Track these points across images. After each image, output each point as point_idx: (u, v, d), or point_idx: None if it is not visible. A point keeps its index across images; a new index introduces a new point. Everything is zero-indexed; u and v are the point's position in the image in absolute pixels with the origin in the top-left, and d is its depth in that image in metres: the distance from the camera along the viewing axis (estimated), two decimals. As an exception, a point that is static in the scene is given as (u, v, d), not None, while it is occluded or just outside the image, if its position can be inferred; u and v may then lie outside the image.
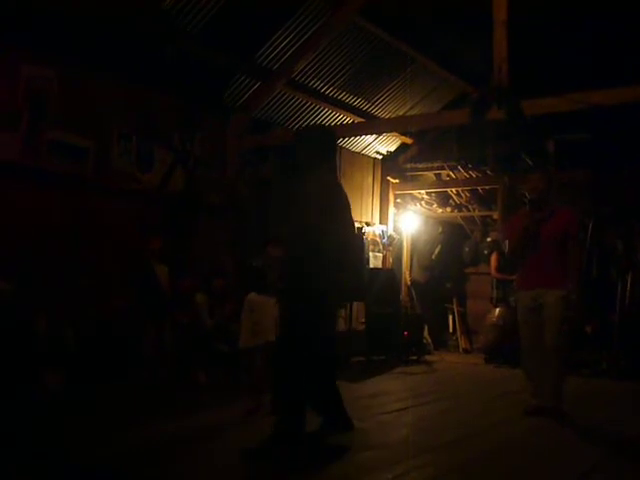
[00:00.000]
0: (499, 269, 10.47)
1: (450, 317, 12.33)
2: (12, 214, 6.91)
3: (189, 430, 5.19)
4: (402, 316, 10.59)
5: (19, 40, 6.92)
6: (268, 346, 5.74)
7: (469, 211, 12.93)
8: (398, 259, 12.06)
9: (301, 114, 10.50)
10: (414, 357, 9.99)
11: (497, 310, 10.28)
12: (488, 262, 11.15)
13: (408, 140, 12.40)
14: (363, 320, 10.16)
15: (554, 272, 5.80)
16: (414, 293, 11.80)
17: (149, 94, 8.29)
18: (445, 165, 12.16)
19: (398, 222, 12.27)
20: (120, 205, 7.94)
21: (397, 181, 12.41)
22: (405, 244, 12.30)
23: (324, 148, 4.98)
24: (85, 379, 6.49)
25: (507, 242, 6.84)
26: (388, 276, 10.67)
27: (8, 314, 6.09)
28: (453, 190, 12.65)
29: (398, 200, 12.56)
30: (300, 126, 10.53)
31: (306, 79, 9.97)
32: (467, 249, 12.79)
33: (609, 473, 4.39)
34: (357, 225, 11.29)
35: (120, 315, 7.39)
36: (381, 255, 11.82)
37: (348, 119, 11.01)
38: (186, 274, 7.89)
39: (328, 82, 10.25)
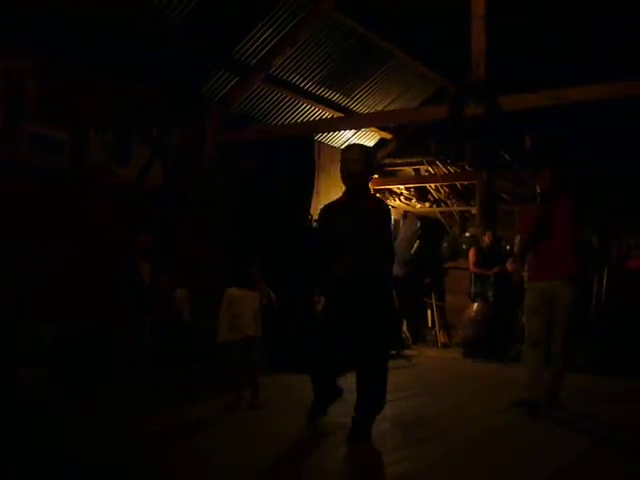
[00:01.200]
0: (477, 263, 10.51)
1: (429, 312, 12.36)
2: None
3: (169, 427, 5.17)
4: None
5: (-5, 34, 6.86)
6: (246, 340, 5.74)
7: (448, 206, 12.99)
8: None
9: (280, 109, 10.49)
10: (393, 352, 10.01)
11: (475, 305, 10.32)
12: (466, 257, 11.20)
13: (387, 135, 12.43)
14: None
15: (564, 262, 5.86)
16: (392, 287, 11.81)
17: (127, 88, 8.24)
18: (424, 160, 12.22)
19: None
20: (98, 199, 7.90)
21: (376, 176, 12.42)
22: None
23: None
24: (65, 377, 6.45)
25: (519, 237, 6.92)
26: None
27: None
28: (432, 185, 12.72)
29: (377, 195, 12.56)
30: (281, 122, 10.53)
31: (285, 74, 9.95)
32: (446, 244, 12.84)
33: (588, 467, 4.43)
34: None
35: (101, 312, 7.35)
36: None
37: (327, 114, 11.01)
38: (163, 270, 7.86)
39: (307, 77, 10.24)
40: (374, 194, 5.85)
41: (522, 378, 6.07)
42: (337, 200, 5.46)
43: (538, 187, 6.25)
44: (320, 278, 5.45)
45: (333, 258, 4.89)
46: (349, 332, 4.89)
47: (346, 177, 5.09)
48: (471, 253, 10.70)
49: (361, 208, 5.01)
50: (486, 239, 10.47)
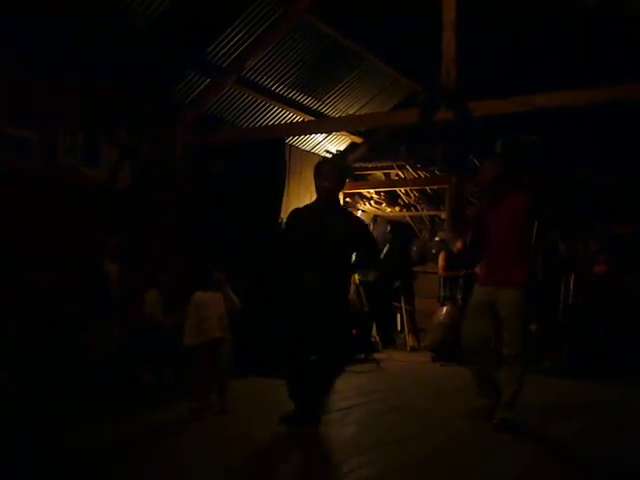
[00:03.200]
0: (447, 267, 10.57)
1: (398, 316, 12.41)
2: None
3: (136, 430, 5.14)
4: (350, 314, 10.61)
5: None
6: (213, 343, 5.73)
7: (418, 210, 13.06)
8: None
9: (251, 112, 10.46)
10: (362, 355, 10.03)
11: (444, 309, 10.38)
12: (436, 261, 11.25)
13: (357, 139, 12.46)
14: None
15: (508, 266, 5.46)
16: (362, 291, 11.84)
17: (96, 88, 8.17)
18: (394, 165, 12.27)
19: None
20: (67, 201, 7.82)
21: (347, 180, 12.46)
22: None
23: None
24: (33, 378, 6.38)
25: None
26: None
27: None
28: (402, 189, 12.77)
29: (347, 199, 12.62)
30: (253, 125, 10.52)
31: (256, 77, 9.93)
32: (415, 248, 12.91)
33: (542, 474, 4.47)
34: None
35: (69, 313, 7.28)
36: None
37: (298, 117, 11.01)
38: (134, 271, 7.81)
39: (278, 80, 10.23)
40: (345, 208, 6.27)
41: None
42: (307, 207, 5.81)
43: (480, 182, 6.02)
44: (283, 282, 5.60)
45: (299, 267, 5.27)
46: (313, 336, 5.28)
47: (318, 190, 5.49)
48: (441, 257, 10.77)
49: (331, 222, 5.36)
50: (458, 245, 10.56)
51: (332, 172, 5.49)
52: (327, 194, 5.48)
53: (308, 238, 5.33)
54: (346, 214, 6.02)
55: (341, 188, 5.72)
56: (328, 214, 5.44)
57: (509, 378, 5.47)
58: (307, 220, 5.47)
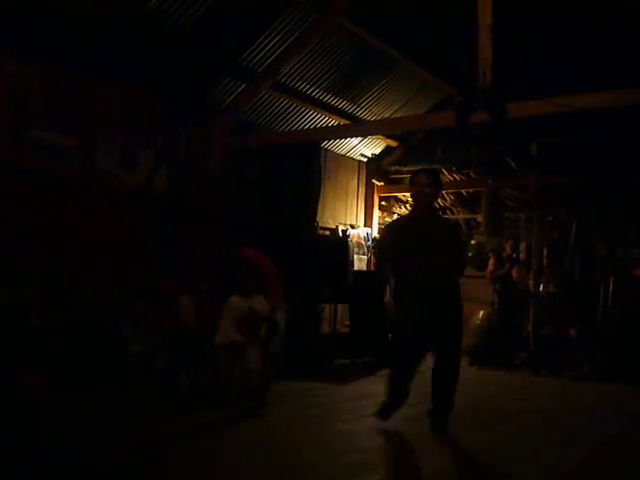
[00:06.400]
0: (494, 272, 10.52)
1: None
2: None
3: (165, 434, 5.17)
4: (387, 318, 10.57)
5: (2, 40, 6.88)
6: (232, 346, 5.80)
7: (453, 214, 12.98)
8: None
9: (286, 116, 10.51)
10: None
11: (481, 312, 10.31)
12: (474, 264, 11.15)
13: (393, 143, 12.44)
14: (348, 322, 10.16)
15: None
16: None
17: (134, 94, 8.26)
18: (430, 168, 12.21)
19: (383, 225, 12.30)
20: (104, 205, 7.91)
21: (382, 184, 12.46)
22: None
23: None
24: (70, 380, 6.45)
25: None
26: (373, 279, 10.65)
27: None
28: (437, 193, 12.69)
29: (383, 203, 12.60)
30: (288, 129, 10.55)
31: (291, 81, 9.97)
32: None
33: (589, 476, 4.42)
34: (342, 228, 11.33)
35: (105, 316, 7.36)
36: (366, 258, 11.84)
37: (333, 121, 11.02)
38: (165, 277, 7.85)
39: (314, 84, 10.26)
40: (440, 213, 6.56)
41: (528, 385, 6.02)
42: (405, 218, 6.33)
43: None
44: (393, 289, 5.81)
45: (407, 271, 5.47)
46: (428, 338, 5.52)
47: (418, 198, 5.71)
48: (490, 262, 10.68)
49: (436, 226, 5.65)
50: (508, 248, 10.53)
51: (431, 180, 5.69)
52: (426, 200, 5.67)
53: (420, 245, 5.50)
54: (445, 218, 6.43)
55: (438, 195, 5.98)
56: (434, 219, 5.75)
57: None
58: (413, 228, 5.64)
